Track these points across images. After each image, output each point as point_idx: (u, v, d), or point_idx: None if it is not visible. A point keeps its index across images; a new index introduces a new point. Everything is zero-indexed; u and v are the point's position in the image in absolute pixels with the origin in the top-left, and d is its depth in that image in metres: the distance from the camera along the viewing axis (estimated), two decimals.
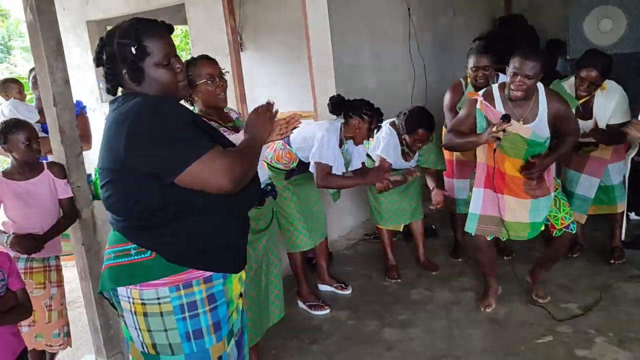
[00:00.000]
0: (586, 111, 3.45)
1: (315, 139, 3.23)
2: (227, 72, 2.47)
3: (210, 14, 5.20)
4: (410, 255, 4.09)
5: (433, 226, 4.51)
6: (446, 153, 3.86)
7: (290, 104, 6.70)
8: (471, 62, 3.60)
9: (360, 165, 3.50)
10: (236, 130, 2.48)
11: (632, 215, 4.26)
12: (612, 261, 3.68)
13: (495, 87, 3.00)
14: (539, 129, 2.90)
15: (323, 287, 3.75)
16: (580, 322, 3.05)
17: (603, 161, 3.58)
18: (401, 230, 3.96)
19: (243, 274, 1.80)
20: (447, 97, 3.74)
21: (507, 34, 6.81)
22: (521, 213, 2.98)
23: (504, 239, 3.13)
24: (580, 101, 3.41)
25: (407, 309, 3.41)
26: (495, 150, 2.89)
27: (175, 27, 7.24)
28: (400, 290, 3.67)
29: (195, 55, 2.52)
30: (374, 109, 3.32)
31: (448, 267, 3.93)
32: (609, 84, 3.39)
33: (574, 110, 3.43)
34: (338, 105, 3.35)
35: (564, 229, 3.02)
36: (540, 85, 2.93)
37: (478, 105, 2.94)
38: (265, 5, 6.56)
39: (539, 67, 2.78)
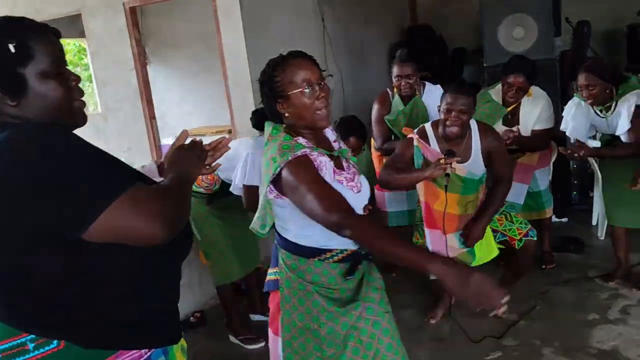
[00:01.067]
0: (514, 118, 3.45)
1: (240, 158, 2.97)
2: (330, 75, 1.83)
3: (110, 25, 4.80)
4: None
5: None
6: (376, 165, 3.72)
7: (202, 119, 6.38)
8: (395, 71, 3.51)
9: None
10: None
11: (554, 218, 4.34)
12: (543, 266, 3.70)
13: (428, 126, 2.95)
14: (474, 167, 2.87)
15: (256, 317, 3.47)
16: (524, 333, 3.00)
17: (530, 167, 3.60)
18: None
19: (183, 341, 1.41)
20: (374, 109, 3.62)
21: (419, 44, 6.90)
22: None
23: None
24: (509, 108, 3.41)
25: None
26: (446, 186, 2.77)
27: (68, 41, 6.65)
28: None
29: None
30: None
31: (384, 283, 3.77)
32: (535, 90, 3.41)
33: (502, 118, 3.42)
34: (262, 119, 3.09)
35: (524, 238, 2.98)
36: (472, 122, 2.88)
37: (415, 143, 2.86)
38: (169, 17, 6.21)
39: (472, 100, 2.77)
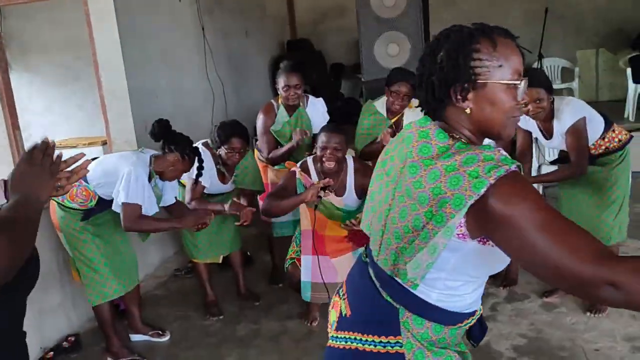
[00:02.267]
0: (398, 130, 3.60)
1: (121, 174, 2.81)
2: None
3: None
4: (229, 287, 3.82)
5: (248, 253, 4.32)
6: (262, 176, 3.71)
7: (72, 130, 5.99)
8: (282, 81, 3.52)
9: (173, 200, 3.15)
10: None
11: None
12: None
13: (310, 160, 3.13)
14: (349, 200, 3.08)
15: (136, 337, 3.28)
16: None
17: None
18: (220, 262, 3.68)
19: None
20: (260, 120, 3.61)
21: (297, 57, 7.03)
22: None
23: None
24: (392, 120, 3.55)
25: (234, 348, 3.15)
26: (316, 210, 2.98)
27: None
28: (224, 328, 3.38)
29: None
30: (196, 150, 3.04)
31: (270, 295, 3.76)
32: (415, 101, 3.59)
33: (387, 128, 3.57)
34: (163, 132, 2.96)
35: None
36: (349, 159, 3.10)
37: (297, 175, 3.06)
38: (33, 21, 5.78)
39: (344, 139, 2.99)
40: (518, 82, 1.16)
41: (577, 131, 2.89)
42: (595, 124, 2.96)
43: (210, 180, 3.32)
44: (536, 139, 3.19)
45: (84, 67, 5.37)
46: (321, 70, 7.61)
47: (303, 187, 3.04)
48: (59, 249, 3.22)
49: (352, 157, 3.16)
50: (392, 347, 1.26)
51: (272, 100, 3.66)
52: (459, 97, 1.17)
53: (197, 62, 5.17)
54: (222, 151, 3.30)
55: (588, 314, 3.13)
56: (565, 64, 7.46)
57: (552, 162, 3.46)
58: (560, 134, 2.96)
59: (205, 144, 3.38)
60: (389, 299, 1.27)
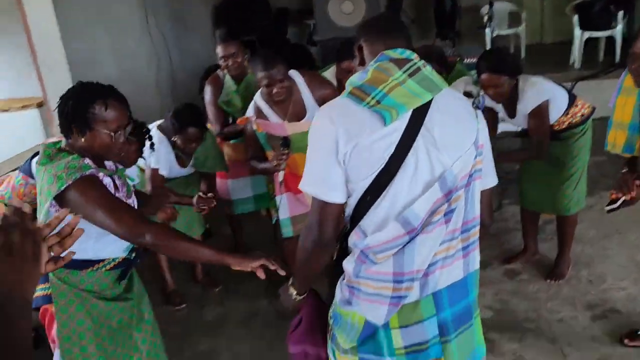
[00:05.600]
0: None
1: None
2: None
3: None
4: (187, 273, 3.68)
5: (207, 225, 4.16)
6: (224, 150, 3.52)
7: (2, 90, 5.51)
8: (219, 52, 3.35)
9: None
10: None
11: None
12: None
13: (258, 98, 2.90)
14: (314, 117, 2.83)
15: None
16: None
17: None
18: None
19: None
20: (207, 94, 3.42)
21: (242, 4, 6.65)
22: None
23: None
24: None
25: (204, 335, 3.11)
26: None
27: None
28: (190, 314, 3.32)
29: None
30: (139, 125, 2.79)
31: (234, 276, 3.67)
32: None
33: None
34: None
35: None
36: (295, 74, 2.86)
37: (254, 127, 2.86)
38: None
39: (283, 67, 2.71)
40: (116, 133, 1.79)
41: (539, 114, 2.90)
42: (559, 103, 2.96)
43: (170, 166, 3.13)
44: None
45: (8, 20, 4.89)
46: (265, 16, 7.25)
47: (264, 136, 2.89)
48: None
49: (297, 71, 2.90)
50: (47, 290, 1.90)
51: (219, 71, 3.45)
52: (77, 133, 1.78)
53: (137, 21, 4.80)
54: (178, 140, 3.07)
55: (548, 281, 3.26)
56: (513, 8, 7.42)
57: (517, 135, 3.46)
58: (523, 115, 2.96)
59: (160, 127, 3.14)
60: None
